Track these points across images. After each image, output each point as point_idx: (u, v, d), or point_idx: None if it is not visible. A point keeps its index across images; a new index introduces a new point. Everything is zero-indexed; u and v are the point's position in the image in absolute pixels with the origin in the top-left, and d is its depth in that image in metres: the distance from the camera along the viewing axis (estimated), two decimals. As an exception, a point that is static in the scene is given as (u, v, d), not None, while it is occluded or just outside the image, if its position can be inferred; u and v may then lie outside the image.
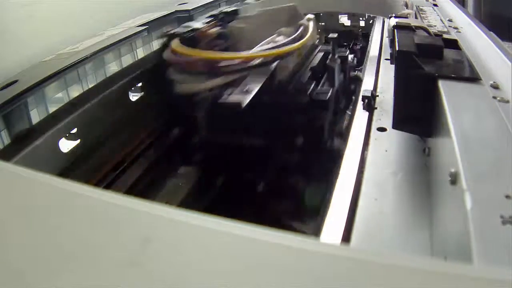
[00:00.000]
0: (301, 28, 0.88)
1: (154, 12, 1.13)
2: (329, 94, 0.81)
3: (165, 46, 0.79)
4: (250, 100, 0.66)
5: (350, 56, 1.11)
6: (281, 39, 0.82)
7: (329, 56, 0.98)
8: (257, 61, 0.72)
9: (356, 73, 1.08)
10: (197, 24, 0.88)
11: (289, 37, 0.82)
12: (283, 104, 0.76)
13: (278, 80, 0.78)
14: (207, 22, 0.91)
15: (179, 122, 0.85)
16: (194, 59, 0.71)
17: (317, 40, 1.02)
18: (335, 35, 1.01)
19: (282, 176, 0.76)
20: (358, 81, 0.91)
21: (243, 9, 1.02)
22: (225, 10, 1.00)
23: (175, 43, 0.75)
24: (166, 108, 0.85)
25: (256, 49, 0.78)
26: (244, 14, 1.00)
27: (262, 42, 0.82)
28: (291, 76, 0.85)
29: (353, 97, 0.98)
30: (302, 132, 0.76)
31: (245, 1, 1.15)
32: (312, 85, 0.85)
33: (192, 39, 0.81)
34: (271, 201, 0.74)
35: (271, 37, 0.84)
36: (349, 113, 0.92)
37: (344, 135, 0.68)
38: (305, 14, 0.97)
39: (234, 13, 0.99)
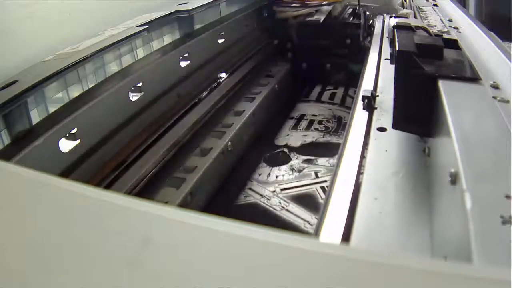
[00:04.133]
0: None
1: (154, 12, 1.13)
2: (361, 22, 1.61)
3: None
4: (324, 19, 1.55)
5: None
6: None
7: (356, 9, 1.71)
8: (325, 2, 1.66)
9: (372, 22, 1.68)
10: None
11: None
12: (337, 23, 1.64)
13: (333, 14, 1.66)
14: None
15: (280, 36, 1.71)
16: None
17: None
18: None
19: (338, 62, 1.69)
20: (372, 28, 1.46)
21: None
22: None
23: None
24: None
25: None
26: None
27: None
28: (340, 13, 1.70)
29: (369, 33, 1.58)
30: (347, 37, 1.65)
31: None
32: (351, 19, 1.67)
33: None
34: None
35: None
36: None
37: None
38: None
39: None
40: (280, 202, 1.01)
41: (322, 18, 1.55)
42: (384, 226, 0.40)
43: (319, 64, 1.69)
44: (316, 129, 1.36)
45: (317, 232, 0.42)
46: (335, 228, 0.41)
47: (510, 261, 0.22)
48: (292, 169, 1.14)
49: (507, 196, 0.27)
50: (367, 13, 1.70)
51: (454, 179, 0.32)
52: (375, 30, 1.20)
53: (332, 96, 1.63)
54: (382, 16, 1.41)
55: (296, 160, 1.18)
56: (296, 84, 1.68)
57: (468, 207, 0.27)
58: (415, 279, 0.17)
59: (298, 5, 1.66)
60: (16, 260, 0.19)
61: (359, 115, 0.63)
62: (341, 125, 1.38)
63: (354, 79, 1.02)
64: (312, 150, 1.23)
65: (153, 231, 0.21)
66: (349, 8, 1.74)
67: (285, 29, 1.67)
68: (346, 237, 0.39)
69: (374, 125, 0.58)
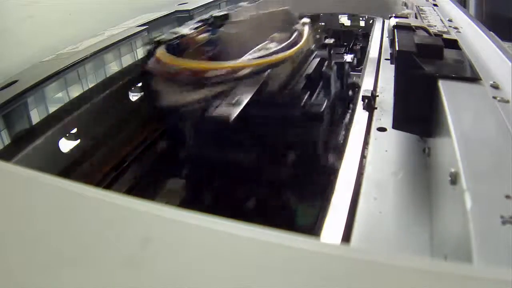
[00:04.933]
0: (295, 34, 0.82)
1: (154, 12, 1.13)
2: (324, 105, 0.76)
3: (150, 53, 0.74)
4: (239, 113, 0.61)
5: (350, 57, 1.09)
6: (273, 46, 0.77)
7: (325, 63, 0.93)
8: (246, 71, 0.67)
9: (353, 80, 1.04)
10: (185, 30, 0.83)
11: (282, 43, 0.77)
12: (275, 117, 0.70)
13: (270, 90, 0.73)
14: (196, 28, 0.86)
15: (165, 134, 0.83)
16: (179, 69, 0.67)
17: (313, 45, 0.96)
18: (331, 40, 0.98)
19: (272, 193, 0.70)
20: (356, 88, 0.90)
21: (234, 14, 0.97)
22: (216, 14, 0.95)
23: (160, 52, 0.72)
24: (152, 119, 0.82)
25: (246, 57, 0.72)
26: (235, 19, 0.95)
27: (253, 50, 0.76)
28: (284, 86, 0.78)
29: (351, 105, 0.94)
30: (295, 146, 0.71)
31: (239, 4, 1.10)
32: (307, 95, 0.79)
33: (179, 46, 0.78)
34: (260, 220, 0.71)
35: (262, 44, 0.79)
36: (349, 115, 0.91)
37: (340, 149, 0.65)
38: (302, 17, 0.93)
39: (225, 17, 0.95)
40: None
41: (233, 113, 0.62)
42: (384, 226, 0.40)
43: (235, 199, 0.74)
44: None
45: (317, 232, 0.42)
46: (335, 228, 0.41)
47: (510, 261, 0.22)
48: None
49: (507, 196, 0.27)
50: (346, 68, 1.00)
51: (454, 179, 0.32)
52: (375, 31, 1.20)
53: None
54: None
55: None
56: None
57: (468, 207, 0.27)
58: (415, 279, 0.17)
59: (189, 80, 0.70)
60: (15, 260, 0.19)
61: (359, 115, 0.63)
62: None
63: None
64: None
65: (153, 231, 0.21)
66: (314, 58, 0.92)
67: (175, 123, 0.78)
68: (346, 237, 0.39)
69: (374, 125, 0.58)
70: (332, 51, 0.95)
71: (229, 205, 0.70)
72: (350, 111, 0.93)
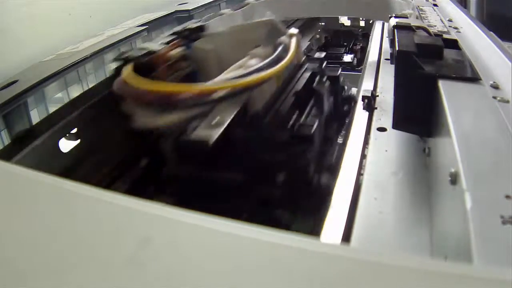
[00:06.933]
0: (280, 48, 0.70)
1: (154, 12, 1.13)
2: (315, 126, 0.68)
3: (117, 72, 0.65)
4: (219, 136, 0.55)
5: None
6: (254, 63, 0.67)
7: (317, 79, 0.82)
8: (222, 93, 0.58)
9: (350, 93, 0.95)
10: (155, 45, 0.74)
11: (264, 59, 0.66)
12: (259, 140, 0.62)
13: (253, 111, 0.65)
14: (168, 42, 0.77)
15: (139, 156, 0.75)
16: (147, 92, 0.59)
17: (303, 58, 0.85)
18: (323, 54, 0.88)
19: (260, 212, 0.63)
20: (353, 102, 0.82)
21: (211, 25, 0.86)
22: (189, 26, 0.84)
23: (127, 72, 0.62)
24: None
25: (223, 77, 0.63)
26: (213, 31, 0.84)
27: (231, 67, 0.67)
28: (270, 105, 0.69)
29: (346, 120, 0.87)
30: (282, 171, 0.62)
31: (220, 12, 0.97)
32: (295, 115, 0.70)
33: (150, 64, 0.69)
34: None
35: (242, 60, 0.69)
36: (341, 142, 0.80)
37: (334, 170, 0.58)
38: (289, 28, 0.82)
39: (200, 29, 0.83)
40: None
41: (215, 134, 0.57)
42: (384, 226, 0.40)
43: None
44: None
45: (317, 232, 0.42)
46: (335, 228, 0.41)
47: (510, 261, 0.22)
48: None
49: (507, 196, 0.27)
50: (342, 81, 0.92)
51: (454, 179, 0.32)
52: (375, 30, 1.20)
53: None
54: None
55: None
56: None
57: (468, 207, 0.27)
58: (415, 279, 0.17)
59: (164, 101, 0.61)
60: (15, 260, 0.19)
61: (359, 115, 0.63)
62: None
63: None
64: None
65: (153, 231, 0.21)
66: (304, 72, 0.83)
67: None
68: (346, 237, 0.39)
69: (374, 125, 0.58)
70: (324, 65, 0.86)
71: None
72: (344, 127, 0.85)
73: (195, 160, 0.57)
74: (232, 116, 0.60)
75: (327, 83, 0.83)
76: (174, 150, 0.61)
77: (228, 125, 0.58)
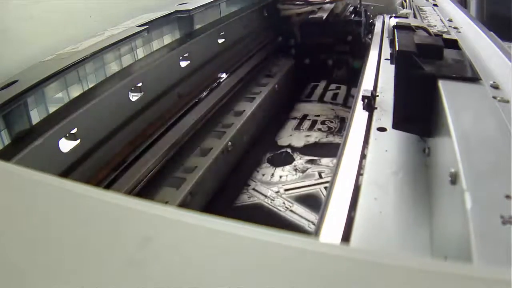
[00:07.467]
0: None
1: (154, 12, 1.13)
2: (363, 19, 1.70)
3: None
4: (325, 18, 1.58)
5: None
6: None
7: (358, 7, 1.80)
8: (327, 0, 1.69)
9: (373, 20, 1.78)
10: None
11: None
12: (339, 21, 1.69)
13: (335, 12, 1.70)
14: None
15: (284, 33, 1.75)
16: None
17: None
18: None
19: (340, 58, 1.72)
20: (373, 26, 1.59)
21: None
22: None
23: None
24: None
25: None
26: None
27: None
28: (342, 11, 1.74)
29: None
30: (349, 34, 1.68)
31: None
32: (352, 16, 1.72)
33: None
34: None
35: None
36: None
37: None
38: None
39: None
40: (284, 203, 1.01)
41: (324, 15, 1.61)
42: (384, 226, 0.40)
43: (321, 60, 1.76)
44: (319, 129, 1.36)
45: (317, 232, 0.42)
46: (335, 228, 0.41)
47: (510, 261, 0.22)
48: (295, 170, 1.14)
49: (507, 196, 0.27)
50: (368, 12, 1.78)
51: (454, 179, 0.32)
52: (375, 30, 1.20)
53: (334, 96, 1.63)
54: (382, 16, 1.41)
55: (300, 161, 1.18)
56: (298, 82, 1.70)
57: (468, 207, 0.27)
58: (415, 279, 0.17)
59: (302, 3, 1.72)
60: (16, 260, 0.19)
61: (359, 115, 0.63)
62: (344, 126, 1.38)
63: (355, 76, 1.02)
64: (316, 150, 1.23)
65: (153, 231, 0.21)
66: (350, 6, 1.81)
67: (288, 26, 1.73)
68: (346, 237, 0.39)
69: (374, 125, 0.58)
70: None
71: (317, 66, 1.74)
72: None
73: (313, 30, 1.67)
74: (329, 11, 1.65)
75: (363, 9, 1.79)
76: (304, 25, 1.70)
77: (328, 14, 1.62)
